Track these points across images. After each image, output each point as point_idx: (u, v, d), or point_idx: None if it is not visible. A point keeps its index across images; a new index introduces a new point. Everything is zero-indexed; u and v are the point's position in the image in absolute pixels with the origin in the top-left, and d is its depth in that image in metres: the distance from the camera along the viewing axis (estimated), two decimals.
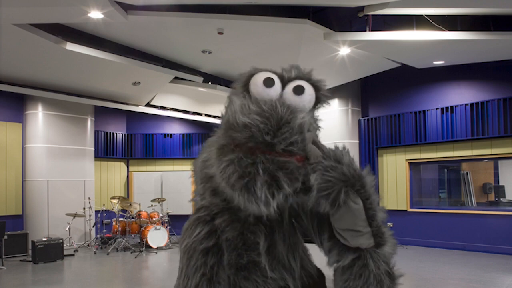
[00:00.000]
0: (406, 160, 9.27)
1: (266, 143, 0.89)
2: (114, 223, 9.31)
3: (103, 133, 11.10)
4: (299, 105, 0.99)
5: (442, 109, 8.65)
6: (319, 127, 1.09)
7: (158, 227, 8.91)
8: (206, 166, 1.06)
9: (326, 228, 1.04)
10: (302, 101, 1.00)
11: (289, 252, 1.08)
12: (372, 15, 6.08)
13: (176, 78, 8.08)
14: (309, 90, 1.02)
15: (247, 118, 0.90)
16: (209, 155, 1.04)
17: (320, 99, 1.07)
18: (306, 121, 0.95)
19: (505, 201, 9.60)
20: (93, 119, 10.31)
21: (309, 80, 1.06)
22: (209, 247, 1.03)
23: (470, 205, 9.56)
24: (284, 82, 1.03)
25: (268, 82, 1.00)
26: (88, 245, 9.34)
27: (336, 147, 1.02)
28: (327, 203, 0.94)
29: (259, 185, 0.89)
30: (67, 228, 8.83)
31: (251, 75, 1.06)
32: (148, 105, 9.79)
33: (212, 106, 10.11)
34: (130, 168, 11.82)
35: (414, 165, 9.42)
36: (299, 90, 1.00)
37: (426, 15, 6.11)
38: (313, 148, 0.97)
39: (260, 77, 1.02)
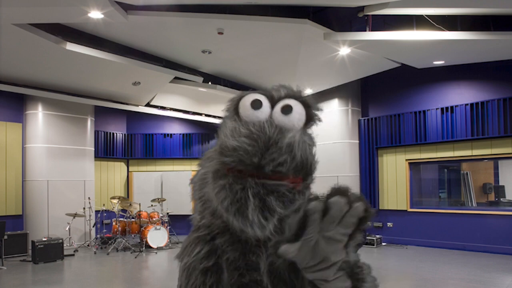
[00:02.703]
0: (406, 160, 9.27)
1: (254, 165, 0.90)
2: (114, 223, 9.31)
3: (103, 133, 11.09)
4: (288, 124, 0.98)
5: (442, 109, 8.64)
6: (314, 143, 1.09)
7: (158, 227, 8.91)
8: (204, 184, 1.05)
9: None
10: (290, 121, 0.98)
11: (289, 266, 1.08)
12: (372, 15, 6.08)
13: (176, 78, 8.08)
14: (297, 109, 1.01)
15: (236, 141, 0.92)
16: (208, 170, 1.05)
17: (311, 116, 1.05)
18: (296, 139, 0.95)
19: (505, 201, 9.61)
20: (93, 119, 10.30)
21: (298, 98, 1.04)
22: (208, 267, 1.04)
23: (470, 205, 9.56)
24: (273, 102, 1.02)
25: (256, 104, 0.99)
26: (88, 245, 9.34)
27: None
28: None
29: (251, 210, 0.90)
30: (67, 228, 8.83)
31: (240, 98, 1.05)
32: (148, 105, 9.79)
33: (212, 106, 10.10)
34: (130, 168, 11.82)
35: (414, 165, 9.42)
36: (287, 110, 0.99)
37: (426, 15, 6.10)
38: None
39: (248, 100, 1.01)
